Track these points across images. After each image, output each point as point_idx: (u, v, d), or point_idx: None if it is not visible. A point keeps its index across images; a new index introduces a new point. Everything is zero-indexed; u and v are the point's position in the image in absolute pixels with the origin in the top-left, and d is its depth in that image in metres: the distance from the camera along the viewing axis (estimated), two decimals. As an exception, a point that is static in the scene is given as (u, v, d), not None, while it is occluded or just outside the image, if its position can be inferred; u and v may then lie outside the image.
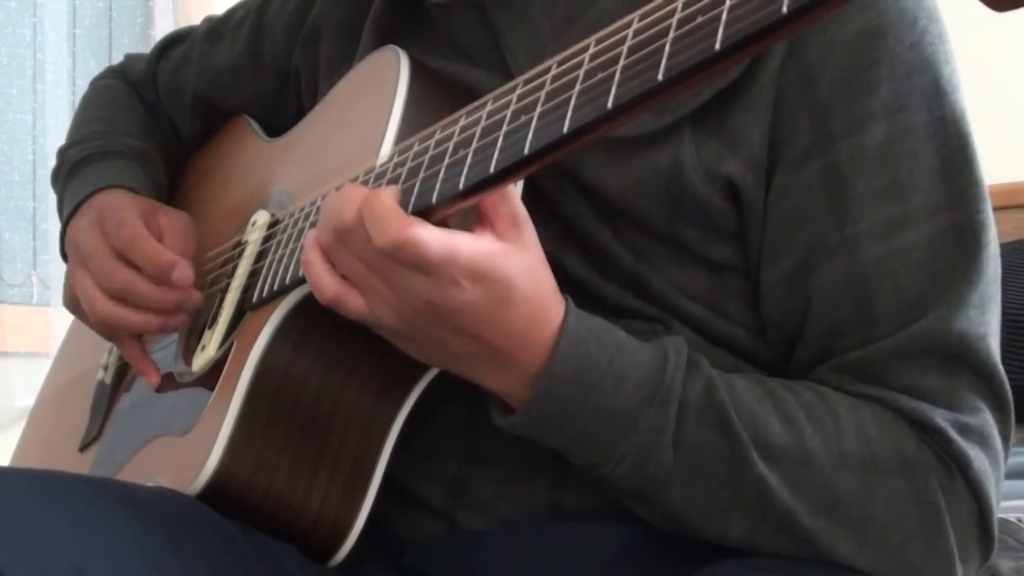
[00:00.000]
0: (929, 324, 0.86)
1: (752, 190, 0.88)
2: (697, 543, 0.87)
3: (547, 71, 0.74)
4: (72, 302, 1.17)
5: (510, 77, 0.82)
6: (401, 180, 0.83)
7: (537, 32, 0.95)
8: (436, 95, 0.94)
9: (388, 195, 0.79)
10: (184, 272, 1.06)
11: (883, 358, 0.87)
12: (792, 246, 0.89)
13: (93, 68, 2.48)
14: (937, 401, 0.86)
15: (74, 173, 1.25)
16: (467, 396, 0.94)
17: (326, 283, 0.83)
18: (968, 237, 0.87)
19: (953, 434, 0.86)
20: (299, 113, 1.15)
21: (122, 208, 1.14)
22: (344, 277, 0.83)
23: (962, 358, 0.86)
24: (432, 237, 0.77)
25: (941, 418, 0.86)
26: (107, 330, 1.12)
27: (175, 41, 1.35)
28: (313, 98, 1.13)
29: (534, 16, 0.96)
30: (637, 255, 0.91)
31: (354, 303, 0.82)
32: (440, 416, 0.96)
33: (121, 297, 1.09)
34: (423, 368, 0.94)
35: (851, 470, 0.84)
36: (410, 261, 0.78)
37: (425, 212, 0.79)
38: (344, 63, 1.08)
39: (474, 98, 0.81)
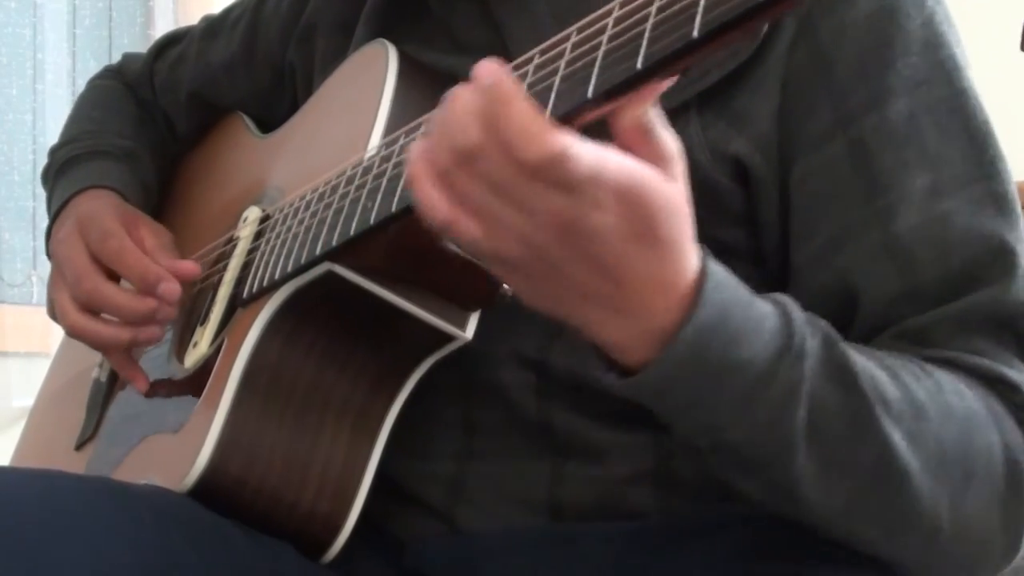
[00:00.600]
0: (992, 295, 0.85)
1: (760, 169, 0.88)
2: (696, 543, 0.87)
3: (530, 60, 0.74)
4: (51, 311, 1.17)
5: None
6: (387, 174, 0.82)
7: (540, 23, 0.95)
8: (425, 88, 0.94)
9: (525, 105, 0.66)
10: (171, 286, 1.05)
11: (944, 323, 0.85)
12: (823, 225, 0.88)
13: (93, 68, 2.47)
14: (997, 359, 0.85)
15: (63, 173, 1.25)
16: (463, 393, 0.94)
17: (437, 203, 0.69)
18: (1006, 205, 0.86)
19: None
20: (294, 109, 1.16)
21: (105, 217, 1.13)
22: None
23: (1009, 325, 0.85)
24: (584, 149, 0.66)
25: (1013, 373, 0.84)
26: (83, 341, 1.12)
27: (172, 40, 1.35)
28: (308, 94, 1.13)
29: (537, 8, 0.96)
30: None
31: (468, 227, 0.69)
32: (437, 414, 0.96)
33: (88, 304, 1.09)
34: (415, 361, 0.94)
35: (956, 422, 0.81)
36: (556, 178, 0.66)
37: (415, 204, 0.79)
38: (339, 59, 1.08)
39: None
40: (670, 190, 0.69)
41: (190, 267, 1.08)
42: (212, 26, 1.29)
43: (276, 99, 1.20)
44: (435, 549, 0.96)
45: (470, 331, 0.91)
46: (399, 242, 0.87)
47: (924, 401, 0.80)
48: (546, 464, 0.92)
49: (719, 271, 0.74)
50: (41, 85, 2.43)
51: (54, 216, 1.20)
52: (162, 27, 2.52)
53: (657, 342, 0.72)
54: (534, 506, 0.93)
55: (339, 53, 1.09)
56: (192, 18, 2.46)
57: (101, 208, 1.16)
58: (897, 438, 0.78)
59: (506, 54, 0.94)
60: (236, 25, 1.24)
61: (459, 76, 0.95)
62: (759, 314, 0.75)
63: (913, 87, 0.86)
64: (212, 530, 0.89)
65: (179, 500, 0.90)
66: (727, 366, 0.73)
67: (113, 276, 1.09)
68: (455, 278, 0.89)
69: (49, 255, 1.20)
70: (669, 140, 0.70)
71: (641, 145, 0.69)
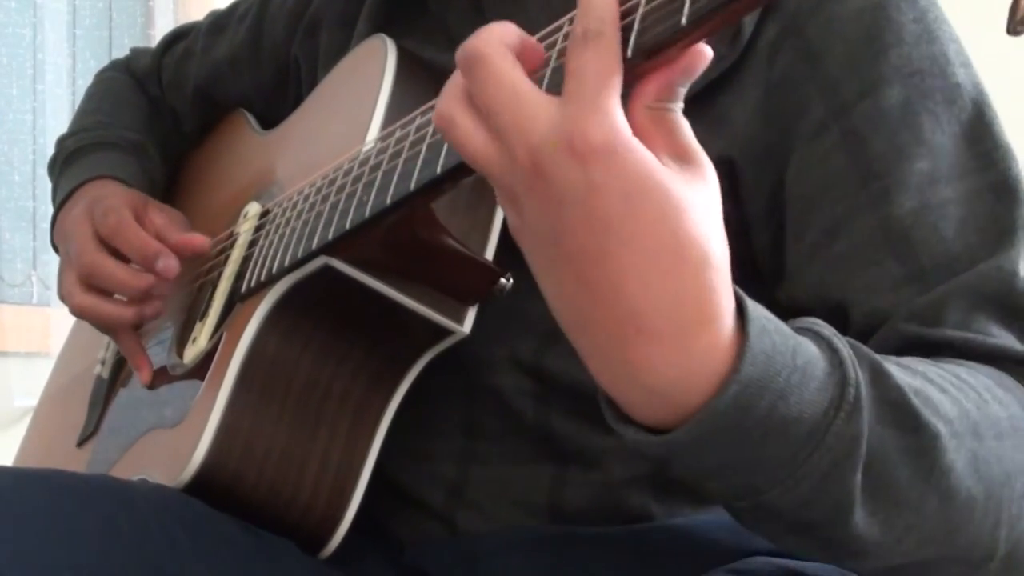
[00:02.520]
0: (998, 263, 0.80)
1: (738, 168, 0.86)
2: (693, 544, 0.87)
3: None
4: (60, 294, 1.17)
5: None
6: (382, 167, 0.82)
7: (533, 25, 0.95)
8: (424, 82, 0.94)
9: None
10: (169, 262, 1.06)
11: (954, 298, 0.80)
12: (818, 216, 0.85)
13: (93, 68, 2.48)
14: (1006, 338, 0.79)
15: (70, 162, 1.26)
16: (465, 397, 0.95)
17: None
18: (1006, 193, 0.83)
19: None
20: (298, 105, 1.16)
21: (111, 197, 1.14)
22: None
23: (1017, 307, 0.80)
24: (605, 132, 0.59)
25: None
26: (89, 321, 1.12)
27: (180, 35, 1.36)
28: (312, 89, 1.14)
29: (529, 7, 0.95)
30: None
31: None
32: (439, 417, 0.96)
33: (89, 280, 1.09)
34: (414, 356, 0.93)
35: (1012, 437, 0.71)
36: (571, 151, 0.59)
37: (409, 197, 0.79)
38: (341, 54, 1.08)
39: None
40: (702, 192, 0.61)
41: (200, 240, 1.08)
42: (218, 21, 1.30)
43: (280, 94, 1.21)
44: (434, 548, 0.96)
45: (467, 325, 0.91)
46: (394, 236, 0.87)
47: (978, 420, 0.70)
48: (547, 469, 0.92)
49: (759, 310, 0.62)
50: (41, 85, 2.43)
51: (60, 204, 1.21)
52: (162, 27, 2.52)
53: (703, 392, 0.60)
54: (534, 509, 0.93)
55: (342, 49, 1.09)
56: (192, 18, 2.46)
57: (110, 193, 1.17)
58: (960, 467, 0.67)
59: None
60: (243, 20, 1.25)
61: (456, 73, 0.96)
62: (805, 359, 0.62)
63: (907, 76, 0.84)
64: (213, 528, 0.89)
65: (180, 497, 0.90)
66: (773, 426, 0.61)
67: (121, 257, 1.09)
68: (451, 271, 0.89)
69: (54, 244, 1.20)
70: (697, 146, 0.62)
71: (658, 138, 0.61)
